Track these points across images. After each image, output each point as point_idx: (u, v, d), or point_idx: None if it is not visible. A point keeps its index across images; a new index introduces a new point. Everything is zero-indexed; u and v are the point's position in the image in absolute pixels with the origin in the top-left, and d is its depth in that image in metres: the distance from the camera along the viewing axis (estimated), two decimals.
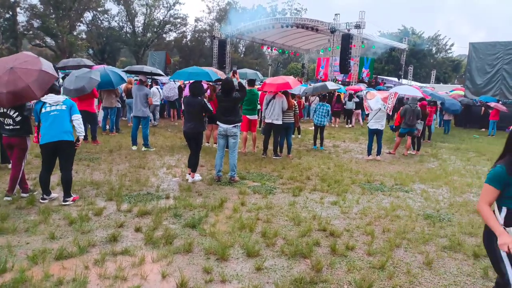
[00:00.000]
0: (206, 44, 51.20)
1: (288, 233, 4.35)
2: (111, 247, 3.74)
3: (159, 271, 3.33)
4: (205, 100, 6.32)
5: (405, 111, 9.96)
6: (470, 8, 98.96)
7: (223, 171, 6.71)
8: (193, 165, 6.39)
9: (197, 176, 6.46)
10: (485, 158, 10.29)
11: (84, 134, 5.01)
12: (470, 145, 12.75)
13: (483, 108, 18.03)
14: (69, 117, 4.89)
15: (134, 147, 8.68)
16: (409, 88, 13.47)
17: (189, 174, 6.45)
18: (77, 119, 4.91)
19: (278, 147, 8.91)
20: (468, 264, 3.83)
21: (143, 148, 8.68)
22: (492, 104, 16.66)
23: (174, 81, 14.94)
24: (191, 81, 8.74)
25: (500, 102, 18.08)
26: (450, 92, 22.84)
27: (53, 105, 4.82)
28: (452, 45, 50.45)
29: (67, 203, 4.90)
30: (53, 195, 5.09)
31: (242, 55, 53.87)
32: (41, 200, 4.94)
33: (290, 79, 9.40)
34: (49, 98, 4.84)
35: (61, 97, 4.97)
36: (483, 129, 17.73)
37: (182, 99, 13.39)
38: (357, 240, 4.27)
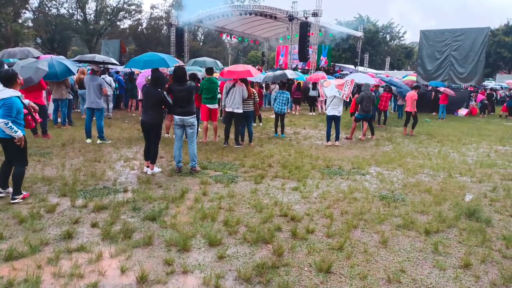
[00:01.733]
0: (163, 32, 49.80)
1: (250, 220, 4.37)
2: (65, 244, 3.57)
3: (118, 266, 3.24)
4: (164, 92, 6.10)
5: (362, 98, 10.28)
6: None
7: (184, 162, 6.60)
8: (152, 157, 6.22)
9: (156, 168, 6.30)
10: (436, 141, 10.88)
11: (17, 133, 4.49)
12: (422, 128, 13.41)
13: (433, 93, 18.98)
14: None
15: (89, 140, 8.31)
16: (364, 75, 13.97)
17: (147, 166, 6.28)
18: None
19: (240, 136, 8.90)
20: (420, 240, 4.04)
21: (98, 141, 8.34)
22: (442, 89, 17.59)
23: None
24: (146, 70, 8.40)
25: (448, 87, 19.12)
26: (403, 78, 23.84)
27: None
28: (404, 32, 52.89)
29: (15, 201, 4.61)
30: (10, 189, 4.78)
31: (201, 43, 52.98)
32: None
33: (250, 67, 9.38)
34: None
35: None
36: (434, 113, 18.71)
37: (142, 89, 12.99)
38: (317, 224, 4.37)
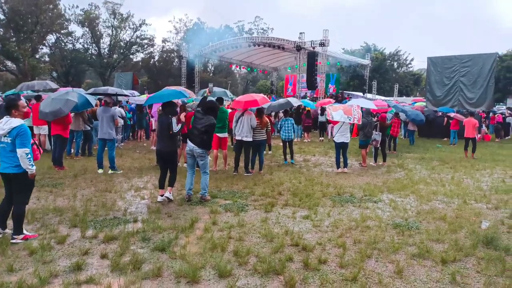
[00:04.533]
0: (174, 64, 51.07)
1: (260, 250, 4.29)
2: (74, 276, 3.54)
3: None
4: (173, 118, 6.24)
5: (363, 124, 10.29)
6: (429, 24, 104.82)
7: (194, 191, 6.59)
8: (171, 181, 6.35)
9: (170, 195, 6.33)
10: (449, 166, 10.70)
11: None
12: (434, 154, 13.25)
13: (445, 119, 18.87)
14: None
15: (100, 171, 8.40)
16: (365, 101, 14.04)
17: (161, 195, 6.32)
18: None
19: (250, 164, 8.90)
20: (437, 270, 3.91)
21: (110, 171, 8.41)
22: (452, 115, 17.48)
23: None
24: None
25: (458, 112, 19.01)
26: (413, 104, 23.83)
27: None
28: (412, 60, 53.14)
29: (14, 241, 4.30)
30: (8, 230, 4.54)
31: (211, 74, 54.09)
32: None
33: (259, 96, 9.52)
34: None
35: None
36: (445, 139, 18.52)
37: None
38: (329, 253, 4.27)
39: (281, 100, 12.91)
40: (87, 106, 9.54)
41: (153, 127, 12.79)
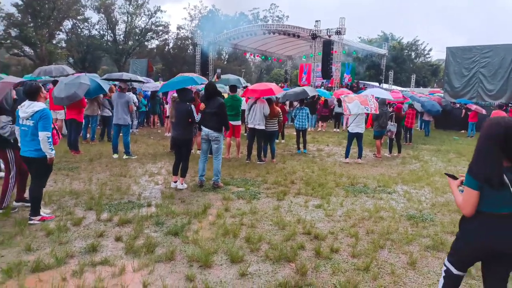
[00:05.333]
0: (188, 51, 51.02)
1: (272, 237, 4.30)
2: (90, 257, 3.61)
3: (140, 281, 3.24)
4: (192, 106, 6.26)
5: (378, 114, 10.12)
6: (448, 13, 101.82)
7: (206, 177, 6.63)
8: (183, 172, 6.33)
9: (184, 184, 6.37)
10: (465, 159, 10.49)
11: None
12: (450, 146, 13.00)
13: (463, 110, 18.45)
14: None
15: (115, 155, 8.51)
16: (380, 91, 13.80)
17: (174, 182, 6.38)
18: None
19: (262, 152, 8.89)
20: None
21: (125, 156, 8.52)
22: (474, 107, 17.07)
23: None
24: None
25: (477, 104, 18.57)
26: (431, 95, 23.34)
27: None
28: (430, 50, 51.71)
29: (32, 221, 4.41)
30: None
31: (225, 62, 53.92)
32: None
33: (273, 85, 9.45)
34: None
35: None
36: (463, 131, 18.14)
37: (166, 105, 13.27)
38: (342, 242, 4.25)
39: (297, 89, 12.77)
40: (99, 92, 9.62)
41: (167, 114, 12.87)
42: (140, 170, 7.50)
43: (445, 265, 2.62)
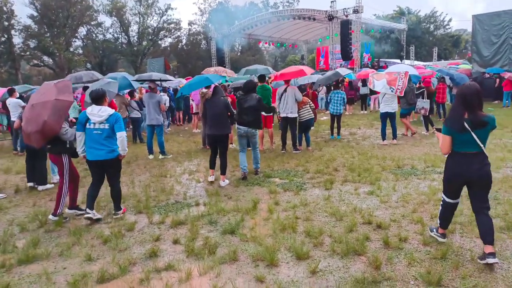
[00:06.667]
0: (201, 46, 50.89)
1: (333, 229, 4.11)
2: (152, 263, 3.52)
3: (210, 285, 3.11)
4: (228, 99, 6.18)
5: (405, 91, 9.66)
6: None
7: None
8: (223, 168, 6.22)
9: (226, 180, 6.27)
10: (509, 130, 9.97)
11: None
12: None
13: (497, 80, 17.61)
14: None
15: (151, 156, 8.48)
16: (406, 66, 13.20)
17: (212, 175, 6.32)
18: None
19: (297, 141, 8.67)
20: None
21: (160, 156, 8.47)
22: (507, 75, 16.24)
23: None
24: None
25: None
26: (458, 67, 22.40)
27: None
28: (450, 20, 49.85)
29: (118, 216, 4.79)
30: (96, 213, 4.75)
31: (238, 54, 53.50)
32: (85, 216, 4.66)
33: (304, 67, 9.19)
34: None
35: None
36: (497, 101, 17.35)
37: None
38: (408, 230, 4.02)
39: (329, 73, 12.26)
40: (128, 87, 9.69)
41: (194, 110, 12.78)
42: (178, 169, 7.43)
43: (442, 197, 3.68)
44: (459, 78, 15.25)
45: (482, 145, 3.30)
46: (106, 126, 4.52)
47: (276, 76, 9.35)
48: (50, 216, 4.74)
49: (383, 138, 9.20)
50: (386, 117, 9.08)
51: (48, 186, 6.37)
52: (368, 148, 8.58)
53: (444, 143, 3.43)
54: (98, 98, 4.61)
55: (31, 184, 6.39)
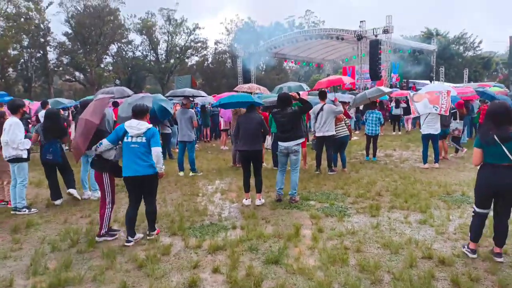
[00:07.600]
0: (227, 65, 51.51)
1: (390, 264, 3.68)
2: None
3: None
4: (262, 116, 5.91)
5: None
6: (493, 4, 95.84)
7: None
8: (258, 187, 5.96)
9: (262, 199, 5.97)
10: None
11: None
12: None
13: None
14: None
15: (181, 173, 8.26)
16: (443, 86, 12.63)
17: (247, 199, 5.98)
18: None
19: (332, 162, 8.27)
20: None
21: (191, 173, 8.24)
22: None
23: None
24: None
25: None
26: (490, 89, 21.54)
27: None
28: (480, 42, 48.49)
29: (151, 237, 4.54)
30: (138, 235, 4.54)
31: (263, 72, 53.83)
32: (126, 243, 4.37)
33: (343, 76, 8.88)
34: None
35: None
36: None
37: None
38: (476, 268, 3.55)
39: (371, 90, 11.32)
40: (167, 116, 8.58)
41: (223, 127, 12.61)
42: (210, 188, 7.15)
43: (473, 207, 3.89)
44: (503, 99, 14.59)
45: None
46: (144, 139, 4.34)
47: (317, 84, 9.18)
48: (97, 238, 4.50)
49: (424, 161, 8.68)
50: (429, 139, 8.58)
51: (58, 201, 6.19)
52: (409, 172, 8.08)
53: (474, 155, 3.76)
54: (141, 113, 4.47)
55: (58, 202, 6.22)
